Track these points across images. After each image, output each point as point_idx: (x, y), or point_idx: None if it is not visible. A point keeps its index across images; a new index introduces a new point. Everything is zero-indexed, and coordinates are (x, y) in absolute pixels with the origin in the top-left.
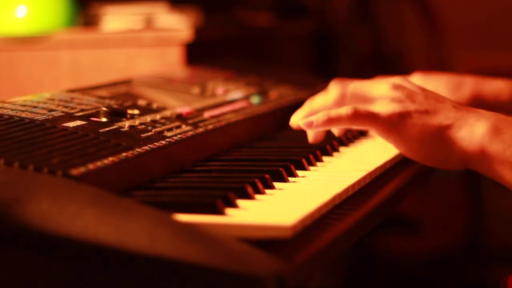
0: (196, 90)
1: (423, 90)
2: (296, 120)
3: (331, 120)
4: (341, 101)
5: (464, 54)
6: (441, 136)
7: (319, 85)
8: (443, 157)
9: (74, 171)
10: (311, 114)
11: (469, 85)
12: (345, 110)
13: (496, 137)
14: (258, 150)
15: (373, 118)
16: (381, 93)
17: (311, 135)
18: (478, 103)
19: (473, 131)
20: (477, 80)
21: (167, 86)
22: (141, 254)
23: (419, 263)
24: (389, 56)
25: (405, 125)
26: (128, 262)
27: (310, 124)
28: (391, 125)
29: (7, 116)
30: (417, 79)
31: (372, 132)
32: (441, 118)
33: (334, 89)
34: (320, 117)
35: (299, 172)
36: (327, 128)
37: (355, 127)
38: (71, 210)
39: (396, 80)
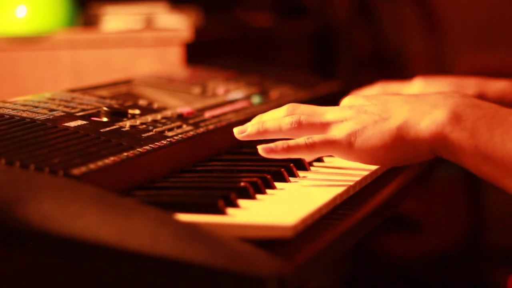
0: (196, 90)
1: (370, 98)
2: (240, 132)
3: (290, 149)
4: (293, 132)
5: (464, 54)
6: (401, 135)
7: (319, 85)
8: (410, 154)
9: (75, 171)
10: (260, 124)
11: (472, 86)
12: (303, 140)
13: (457, 124)
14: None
15: (330, 144)
16: (333, 117)
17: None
18: None
19: (432, 120)
20: (480, 81)
21: (167, 86)
22: (142, 254)
23: (419, 263)
24: (389, 56)
25: (363, 140)
26: (130, 262)
27: (269, 151)
28: (350, 145)
29: (8, 116)
30: (419, 84)
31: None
32: (395, 119)
33: (287, 118)
34: (280, 145)
35: (300, 172)
36: (285, 156)
37: (315, 155)
38: (72, 210)
39: (345, 100)
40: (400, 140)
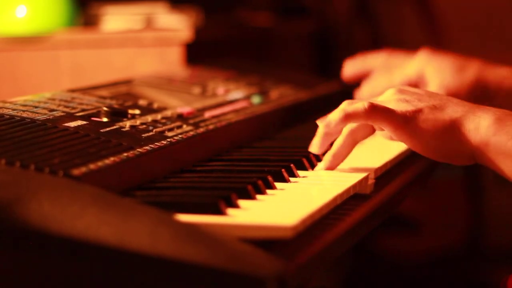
0: (196, 90)
1: (426, 90)
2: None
3: (348, 116)
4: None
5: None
6: (452, 129)
7: (319, 85)
8: (454, 151)
9: (75, 171)
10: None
11: (474, 68)
12: (361, 105)
13: (500, 128)
14: (259, 150)
15: (389, 114)
16: (388, 97)
17: (317, 146)
18: (481, 87)
19: (480, 123)
20: (482, 65)
21: (167, 86)
22: (142, 254)
23: (419, 263)
24: None
25: (418, 121)
26: (130, 262)
27: (328, 125)
28: (405, 122)
29: (8, 116)
30: (424, 56)
31: (378, 132)
32: (451, 112)
33: (354, 105)
34: (337, 114)
35: (300, 172)
36: (344, 125)
37: (371, 122)
38: (72, 210)
39: (397, 86)
40: (450, 133)
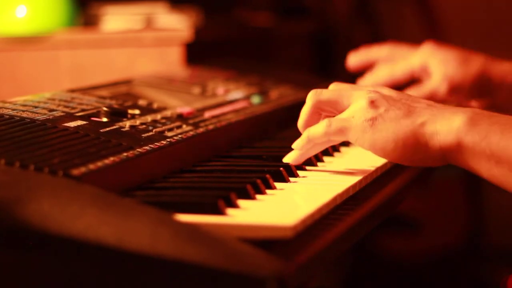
0: (196, 90)
1: (398, 93)
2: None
3: (310, 140)
4: (316, 110)
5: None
6: (415, 134)
7: (319, 85)
8: (422, 155)
9: (75, 171)
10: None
11: (478, 62)
12: (322, 123)
13: (472, 128)
14: (259, 150)
15: (346, 123)
16: (356, 98)
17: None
18: (485, 81)
19: (450, 124)
20: (487, 59)
21: (167, 86)
22: (142, 254)
23: (419, 263)
24: None
25: (378, 126)
26: (129, 262)
27: (294, 160)
28: (364, 129)
29: (8, 116)
30: (428, 48)
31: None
32: (415, 117)
33: (309, 100)
34: (303, 138)
35: (300, 172)
36: (310, 146)
37: (334, 139)
38: (72, 210)
39: (372, 86)
40: (413, 140)
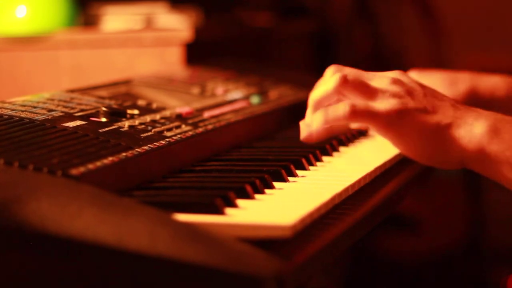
0: (196, 90)
1: (423, 87)
2: (309, 136)
3: (328, 121)
4: (340, 89)
5: (464, 55)
6: (439, 135)
7: None
8: (441, 157)
9: (74, 171)
10: (318, 108)
11: (464, 81)
12: (342, 108)
13: (496, 136)
14: (258, 150)
15: (371, 116)
16: (381, 86)
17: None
18: (474, 99)
19: (472, 130)
20: (473, 76)
21: (167, 86)
22: (141, 254)
23: (419, 263)
24: (389, 56)
25: (403, 123)
26: (128, 262)
27: (309, 137)
28: (389, 123)
29: (7, 116)
30: (413, 75)
31: (372, 131)
32: (440, 117)
33: (333, 76)
34: (318, 120)
35: (299, 172)
36: (326, 126)
37: (353, 124)
38: (71, 210)
39: (396, 74)
40: (437, 139)
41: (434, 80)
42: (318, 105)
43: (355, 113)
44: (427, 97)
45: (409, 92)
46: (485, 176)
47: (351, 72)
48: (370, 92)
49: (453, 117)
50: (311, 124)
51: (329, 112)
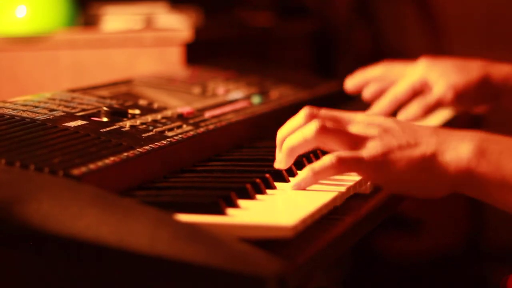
0: (196, 90)
1: (398, 122)
2: (277, 163)
3: (317, 174)
4: (319, 139)
5: (465, 54)
6: (427, 166)
7: (319, 85)
8: (432, 187)
9: (75, 171)
10: (291, 154)
11: (477, 67)
12: (328, 160)
13: (482, 158)
14: (259, 150)
15: (357, 163)
16: (359, 131)
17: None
18: (487, 86)
19: (458, 154)
20: (486, 63)
21: (167, 86)
22: (142, 254)
23: (419, 263)
24: (389, 56)
25: (389, 163)
26: (129, 262)
27: (298, 186)
28: (377, 167)
29: (8, 116)
30: (424, 63)
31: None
32: (424, 148)
33: (311, 124)
34: (306, 175)
35: (300, 173)
36: (314, 182)
37: (340, 173)
38: (72, 210)
39: (367, 118)
40: (427, 169)
41: (445, 67)
42: (293, 151)
43: (343, 164)
44: (405, 131)
45: (388, 131)
46: (478, 199)
47: (326, 115)
48: (351, 140)
49: (437, 144)
50: (298, 180)
51: (316, 167)
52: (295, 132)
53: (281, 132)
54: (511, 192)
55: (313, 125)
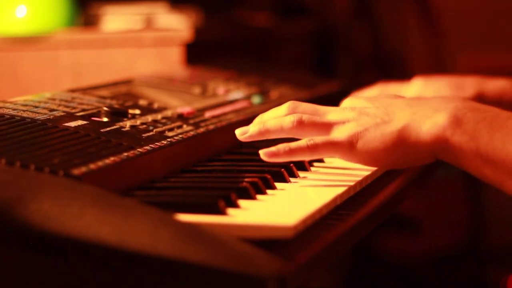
0: (197, 90)
1: (372, 100)
2: (242, 134)
3: (292, 151)
4: (295, 131)
5: (465, 55)
6: (403, 138)
7: (319, 85)
8: (411, 157)
9: (76, 171)
10: (265, 134)
11: (471, 85)
12: (305, 142)
13: (458, 127)
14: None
15: (332, 145)
16: (335, 118)
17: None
18: (482, 102)
19: (434, 123)
20: (479, 80)
21: (168, 86)
22: (142, 254)
23: (419, 263)
24: (389, 56)
25: (365, 142)
26: (130, 262)
27: (271, 155)
28: (352, 147)
29: (8, 116)
30: (418, 84)
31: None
32: (397, 121)
33: (290, 117)
34: (282, 148)
35: (300, 173)
36: (287, 159)
37: (317, 156)
38: (72, 210)
39: (345, 103)
40: (402, 143)
41: (440, 85)
42: (266, 132)
43: (317, 146)
44: (379, 108)
45: (362, 112)
46: (455, 166)
47: (306, 108)
48: (326, 126)
49: (410, 115)
50: (272, 148)
51: (293, 144)
52: (275, 119)
53: (262, 116)
54: (485, 163)
55: (292, 118)
